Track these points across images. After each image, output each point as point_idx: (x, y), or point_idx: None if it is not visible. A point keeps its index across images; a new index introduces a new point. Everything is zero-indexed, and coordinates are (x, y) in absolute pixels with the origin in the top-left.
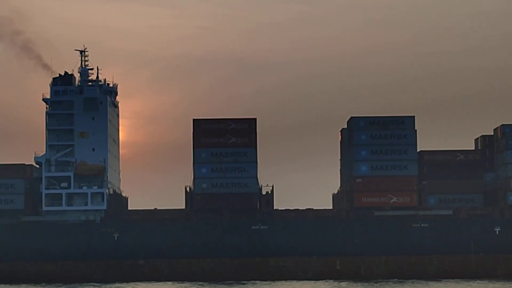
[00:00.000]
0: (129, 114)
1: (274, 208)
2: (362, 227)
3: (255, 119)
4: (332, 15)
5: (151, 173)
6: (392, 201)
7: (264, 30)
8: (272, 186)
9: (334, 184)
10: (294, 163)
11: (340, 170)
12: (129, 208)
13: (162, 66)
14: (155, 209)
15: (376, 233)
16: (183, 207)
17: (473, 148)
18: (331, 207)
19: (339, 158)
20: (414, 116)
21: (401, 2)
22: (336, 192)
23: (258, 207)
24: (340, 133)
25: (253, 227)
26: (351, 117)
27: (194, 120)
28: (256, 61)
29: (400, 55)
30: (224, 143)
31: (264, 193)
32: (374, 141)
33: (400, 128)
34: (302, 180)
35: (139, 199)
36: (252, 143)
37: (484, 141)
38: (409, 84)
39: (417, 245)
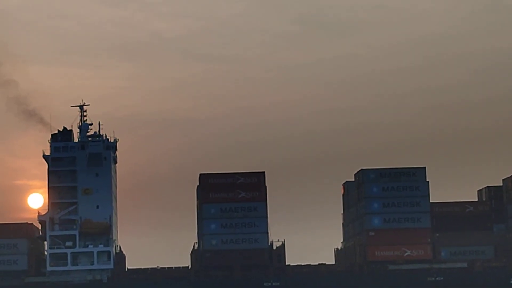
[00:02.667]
0: None
1: (286, 263)
2: (376, 282)
3: (263, 173)
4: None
5: (145, 230)
6: (406, 254)
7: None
8: (284, 241)
9: (336, 239)
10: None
11: (343, 224)
12: (127, 267)
13: None
14: (158, 267)
15: (391, 287)
16: (187, 265)
17: (476, 200)
18: (333, 263)
19: (342, 212)
20: (425, 167)
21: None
22: (339, 247)
23: (269, 262)
24: (342, 187)
25: (265, 284)
26: (361, 169)
27: (201, 174)
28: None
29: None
30: (233, 198)
31: (275, 248)
32: (386, 193)
33: (411, 180)
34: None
35: (136, 257)
36: (262, 198)
37: (490, 192)
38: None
39: None
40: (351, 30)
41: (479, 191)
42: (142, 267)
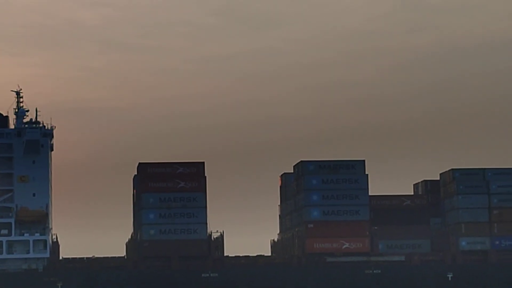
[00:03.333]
0: None
1: (225, 254)
2: (314, 274)
3: (203, 163)
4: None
5: (80, 219)
6: (344, 246)
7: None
8: (222, 232)
9: (272, 230)
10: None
11: (280, 216)
12: (62, 256)
13: None
14: (93, 256)
15: (328, 279)
16: (122, 255)
17: (412, 193)
18: (269, 254)
19: (279, 203)
20: (364, 160)
21: None
22: (275, 239)
23: (208, 253)
24: (280, 178)
25: (203, 275)
26: (301, 161)
27: (140, 163)
28: None
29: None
30: (172, 188)
31: (213, 239)
32: (326, 185)
33: (351, 173)
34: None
35: (70, 246)
36: (201, 188)
37: (426, 186)
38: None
39: None
40: (270, 23)
41: (415, 185)
42: (77, 256)
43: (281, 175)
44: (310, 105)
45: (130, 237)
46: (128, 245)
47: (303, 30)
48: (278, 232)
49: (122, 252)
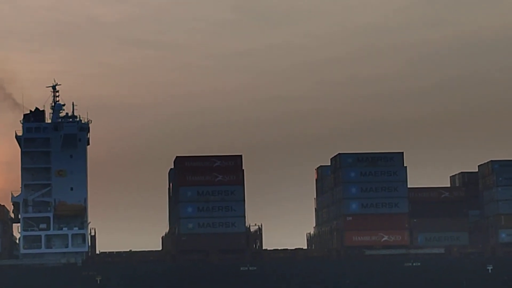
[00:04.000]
0: None
1: (263, 248)
2: (353, 267)
3: (241, 156)
4: None
5: (115, 213)
6: (383, 239)
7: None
8: (261, 225)
9: (308, 224)
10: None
11: (316, 209)
12: (98, 250)
13: None
14: (130, 250)
15: (367, 272)
16: (158, 249)
17: (449, 185)
18: (306, 247)
19: (314, 197)
20: (402, 152)
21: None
22: (311, 232)
23: (246, 247)
24: (316, 171)
25: (241, 268)
26: (339, 154)
27: (177, 157)
28: None
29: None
30: (210, 181)
31: (252, 232)
32: (364, 178)
33: (389, 165)
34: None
35: (106, 240)
36: (239, 181)
37: (464, 178)
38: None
39: (410, 284)
40: (287, 19)
41: (452, 177)
42: (113, 250)
43: (317, 168)
44: (340, 100)
45: (166, 231)
46: (164, 239)
47: (320, 25)
48: (314, 225)
49: (158, 246)
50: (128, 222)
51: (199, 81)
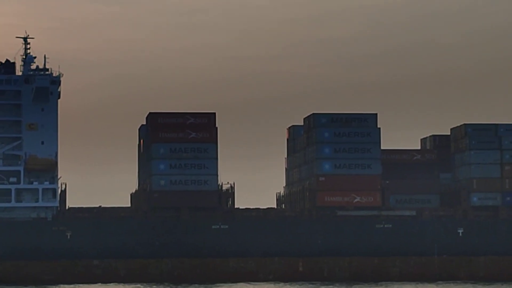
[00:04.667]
0: None
1: (235, 206)
2: (324, 227)
3: (214, 114)
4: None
5: (84, 168)
6: (355, 200)
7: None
8: (233, 184)
9: (278, 183)
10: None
11: (286, 169)
12: (67, 205)
13: None
14: (100, 206)
15: (339, 233)
16: (127, 205)
17: (419, 148)
18: (275, 207)
19: (285, 156)
20: (376, 114)
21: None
22: (282, 192)
23: (218, 205)
24: (287, 131)
25: (213, 227)
26: (313, 113)
27: (150, 113)
28: None
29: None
30: (183, 138)
31: (224, 190)
32: (337, 138)
33: (363, 126)
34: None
35: (75, 195)
36: (212, 139)
37: (435, 141)
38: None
39: (381, 246)
40: None
41: (423, 140)
42: (83, 206)
43: (289, 127)
44: (313, 61)
45: (136, 187)
46: (134, 195)
47: None
48: (284, 185)
49: (127, 203)
50: (97, 177)
51: (173, 38)
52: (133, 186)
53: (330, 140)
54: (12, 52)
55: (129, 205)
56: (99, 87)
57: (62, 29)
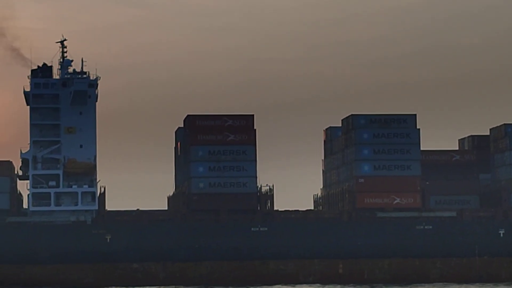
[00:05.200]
0: None
1: (274, 208)
2: (364, 229)
3: (252, 116)
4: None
5: (122, 171)
6: (395, 202)
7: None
8: (272, 186)
9: (315, 185)
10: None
11: (323, 170)
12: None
13: None
14: (138, 209)
15: (379, 235)
16: (164, 208)
17: (457, 148)
18: (312, 208)
19: (322, 158)
20: (416, 115)
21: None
22: (319, 194)
23: (257, 207)
24: (324, 132)
25: (252, 229)
26: (351, 115)
27: (188, 116)
28: None
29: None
30: (222, 141)
31: (263, 192)
32: (377, 139)
33: (402, 127)
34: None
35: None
36: (251, 141)
37: (473, 141)
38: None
39: (421, 247)
40: None
41: (461, 140)
42: (120, 209)
43: (326, 129)
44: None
45: (173, 190)
46: (171, 198)
47: None
48: (321, 187)
49: (164, 206)
50: (134, 180)
51: (210, 41)
52: (170, 188)
53: (369, 142)
54: (48, 56)
55: (166, 208)
56: (133, 90)
57: (91, 33)
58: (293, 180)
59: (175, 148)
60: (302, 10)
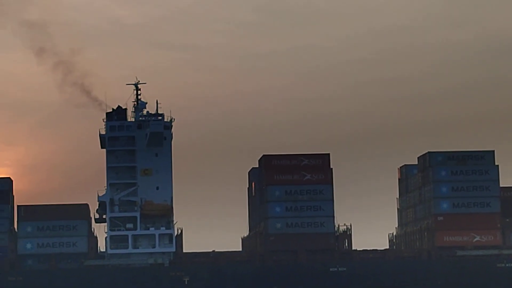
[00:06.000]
0: None
1: (352, 248)
2: (445, 268)
3: (328, 155)
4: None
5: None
6: (475, 239)
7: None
8: (350, 225)
9: (390, 224)
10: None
11: (398, 209)
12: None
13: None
14: (214, 251)
15: (459, 274)
16: (238, 249)
17: None
18: (387, 247)
19: (397, 196)
20: (494, 151)
21: None
22: (394, 232)
23: (335, 247)
24: (399, 170)
25: (331, 269)
26: (428, 152)
27: (264, 156)
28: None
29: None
30: (298, 180)
31: (341, 232)
32: (455, 177)
33: (480, 164)
34: (362, 219)
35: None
36: (327, 180)
37: None
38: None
39: (503, 285)
40: (308, 21)
41: None
42: (196, 251)
43: (401, 167)
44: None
45: (247, 231)
46: (245, 239)
47: (343, 27)
48: (397, 225)
49: (238, 247)
50: (207, 221)
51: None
52: (244, 229)
53: (448, 179)
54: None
55: (240, 248)
56: (204, 130)
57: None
58: (368, 219)
59: (248, 188)
60: (333, 50)
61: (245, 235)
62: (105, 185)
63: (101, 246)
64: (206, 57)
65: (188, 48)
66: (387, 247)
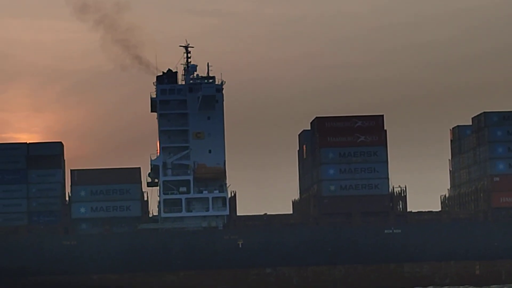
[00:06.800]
0: None
1: (408, 210)
2: (501, 229)
3: (382, 116)
4: None
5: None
6: None
7: None
8: (405, 187)
9: (441, 185)
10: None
11: (450, 170)
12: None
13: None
14: (265, 214)
15: None
16: (289, 212)
17: None
18: (439, 209)
19: (449, 158)
20: None
21: None
22: (446, 193)
23: (390, 209)
24: (451, 131)
25: (386, 231)
26: (484, 112)
27: (316, 117)
28: None
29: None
30: (352, 142)
31: (395, 194)
32: (511, 137)
33: None
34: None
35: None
36: (382, 142)
37: None
38: None
39: None
40: None
41: None
42: (248, 214)
43: (453, 128)
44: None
45: (298, 193)
46: (296, 202)
47: None
48: (449, 187)
49: (289, 210)
50: (258, 184)
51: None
52: (295, 192)
53: (503, 139)
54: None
55: (291, 211)
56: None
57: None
58: (421, 180)
59: (298, 151)
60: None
61: (296, 198)
62: (158, 149)
63: (152, 210)
64: (243, 23)
65: (228, 14)
66: (439, 209)
